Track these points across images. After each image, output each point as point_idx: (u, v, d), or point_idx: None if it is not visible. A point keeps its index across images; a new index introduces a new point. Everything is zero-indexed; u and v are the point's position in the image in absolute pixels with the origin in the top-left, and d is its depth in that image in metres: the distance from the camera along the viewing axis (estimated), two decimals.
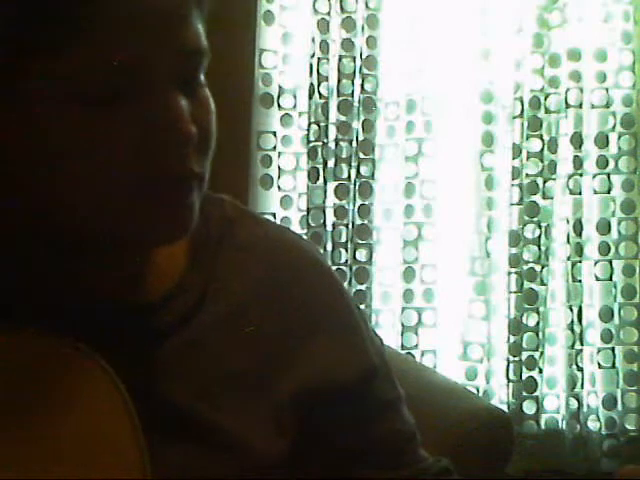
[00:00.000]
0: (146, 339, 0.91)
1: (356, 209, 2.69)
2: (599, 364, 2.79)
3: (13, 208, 0.87)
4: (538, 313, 2.76)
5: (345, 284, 2.67)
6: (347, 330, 1.00)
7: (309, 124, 2.66)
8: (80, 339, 0.83)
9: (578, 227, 2.76)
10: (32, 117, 0.81)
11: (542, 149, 2.76)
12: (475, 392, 2.68)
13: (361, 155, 2.69)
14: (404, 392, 1.03)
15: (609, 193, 2.80)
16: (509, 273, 2.75)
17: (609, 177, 2.80)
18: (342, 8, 2.67)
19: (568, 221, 2.76)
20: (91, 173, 0.81)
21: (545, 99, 2.76)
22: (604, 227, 2.80)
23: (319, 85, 2.65)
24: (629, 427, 2.81)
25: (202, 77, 0.86)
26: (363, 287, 2.70)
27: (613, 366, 2.79)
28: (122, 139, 0.81)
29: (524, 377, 2.75)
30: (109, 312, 0.90)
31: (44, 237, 0.88)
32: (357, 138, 2.69)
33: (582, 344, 2.77)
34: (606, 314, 2.80)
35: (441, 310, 2.78)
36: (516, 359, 2.74)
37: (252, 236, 0.99)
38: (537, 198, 2.76)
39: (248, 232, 0.99)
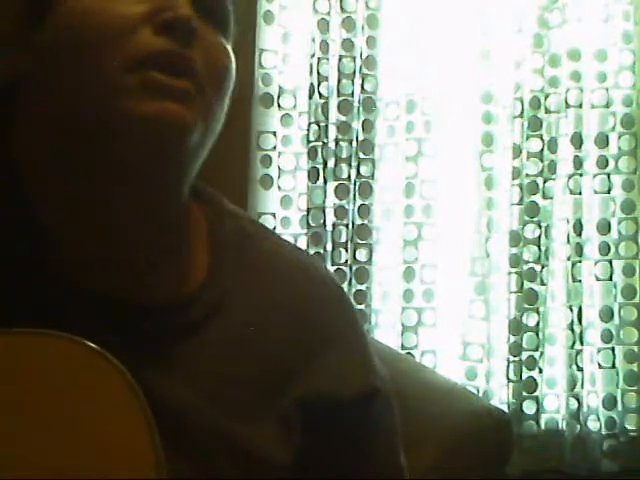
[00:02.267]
0: (160, 342, 0.91)
1: (356, 209, 2.69)
2: (599, 364, 2.79)
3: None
4: (538, 313, 2.76)
5: (345, 284, 2.67)
6: (355, 351, 1.02)
7: (309, 124, 2.66)
8: (96, 341, 0.83)
9: (578, 227, 2.76)
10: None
11: (542, 149, 2.76)
12: (475, 392, 2.68)
13: (361, 155, 2.69)
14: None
15: (609, 193, 2.80)
16: (509, 273, 2.75)
17: (609, 177, 2.80)
18: (342, 8, 2.67)
19: (568, 221, 2.76)
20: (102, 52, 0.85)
21: (545, 99, 2.76)
22: (604, 227, 2.80)
23: (319, 85, 2.65)
24: (629, 427, 2.81)
25: (230, 27, 0.92)
26: (363, 287, 2.70)
27: (613, 366, 2.79)
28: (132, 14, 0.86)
29: (524, 377, 2.74)
30: (126, 313, 0.90)
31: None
32: (357, 138, 2.69)
33: (582, 344, 2.76)
34: (606, 314, 2.80)
35: (441, 310, 2.77)
36: (516, 359, 2.74)
37: (269, 255, 1.01)
38: (537, 198, 2.76)
39: (265, 250, 1.01)
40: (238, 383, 0.93)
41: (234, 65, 0.91)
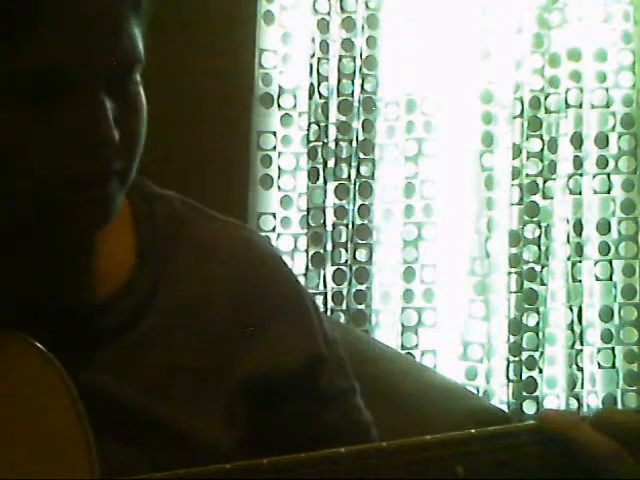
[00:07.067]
0: (95, 339, 0.92)
1: (356, 209, 2.69)
2: (599, 364, 2.79)
3: None
4: (538, 313, 2.76)
5: (345, 284, 2.67)
6: (295, 319, 1.02)
7: (309, 124, 2.66)
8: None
9: (578, 227, 2.76)
10: None
11: (542, 149, 2.76)
12: (475, 392, 2.68)
13: (361, 155, 2.69)
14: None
15: (609, 193, 2.80)
16: (509, 273, 2.75)
17: (609, 177, 2.80)
18: (342, 8, 2.67)
19: (568, 221, 2.76)
20: (17, 167, 0.84)
21: (545, 99, 2.76)
22: (604, 227, 2.80)
23: (319, 85, 2.65)
24: None
25: (136, 77, 0.88)
26: (363, 287, 2.70)
27: (613, 366, 2.79)
28: (47, 138, 0.83)
29: (524, 377, 2.75)
30: (58, 314, 0.91)
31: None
32: (357, 138, 2.69)
33: (582, 344, 2.76)
34: (606, 314, 2.80)
35: (441, 310, 2.78)
36: (516, 359, 2.74)
37: (204, 233, 1.00)
38: (537, 198, 2.76)
39: (200, 229, 1.00)
40: (179, 372, 0.94)
41: (146, 111, 0.90)
